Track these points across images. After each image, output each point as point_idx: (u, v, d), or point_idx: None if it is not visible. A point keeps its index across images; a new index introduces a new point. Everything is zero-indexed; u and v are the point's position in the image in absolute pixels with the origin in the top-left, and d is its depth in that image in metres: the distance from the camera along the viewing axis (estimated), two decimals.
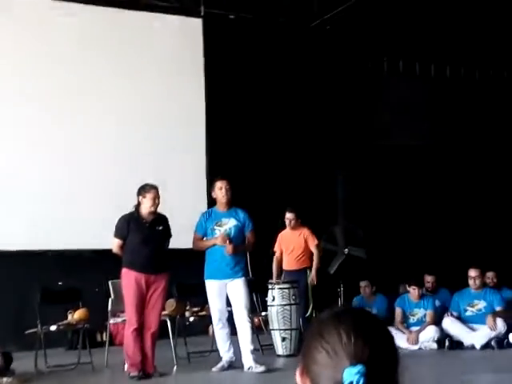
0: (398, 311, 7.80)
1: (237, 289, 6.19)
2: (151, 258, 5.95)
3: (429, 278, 8.71)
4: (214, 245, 6.22)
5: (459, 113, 11.70)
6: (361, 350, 1.07)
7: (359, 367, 1.04)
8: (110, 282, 6.88)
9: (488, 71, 12.09)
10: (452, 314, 7.58)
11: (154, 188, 6.05)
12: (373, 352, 1.07)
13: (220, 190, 6.31)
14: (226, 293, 6.22)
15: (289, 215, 8.00)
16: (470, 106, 11.76)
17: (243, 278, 6.25)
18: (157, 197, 6.02)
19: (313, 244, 7.87)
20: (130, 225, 6.03)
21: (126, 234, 6.03)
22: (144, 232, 6.02)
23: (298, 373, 1.16)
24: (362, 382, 1.03)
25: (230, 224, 6.29)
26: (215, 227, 6.29)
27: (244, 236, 6.37)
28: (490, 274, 8.36)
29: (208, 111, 9.65)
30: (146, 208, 6.03)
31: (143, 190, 6.05)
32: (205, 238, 6.36)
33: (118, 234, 6.08)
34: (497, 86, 12.00)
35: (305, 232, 7.92)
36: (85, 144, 8.94)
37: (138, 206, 6.06)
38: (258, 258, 8.25)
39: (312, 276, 7.73)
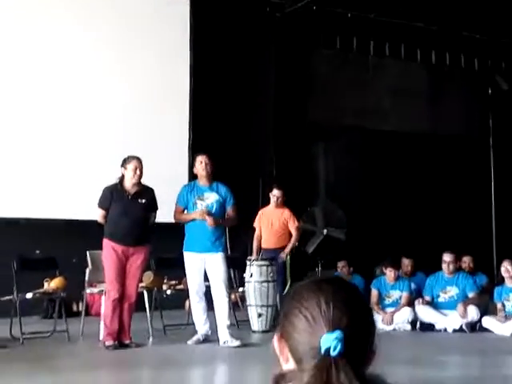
0: (374, 292, 7.88)
1: (216, 264, 6.20)
2: (131, 230, 5.95)
3: (406, 262, 8.79)
4: (194, 219, 6.23)
5: (452, 101, 11.76)
6: (339, 317, 1.09)
7: (337, 333, 1.05)
8: (88, 253, 6.85)
9: (486, 61, 12.14)
10: (424, 300, 7.65)
11: (136, 159, 6.05)
12: (351, 320, 1.09)
13: (200, 165, 6.32)
14: (204, 267, 6.24)
15: (276, 192, 7.98)
16: (465, 96, 11.82)
17: (222, 254, 6.27)
18: (138, 167, 6.01)
19: (293, 226, 7.88)
20: (112, 196, 6.04)
21: (109, 204, 6.03)
22: (125, 203, 6.01)
23: (275, 338, 1.17)
24: (339, 347, 1.04)
25: (211, 199, 6.30)
26: (197, 201, 6.29)
27: (225, 211, 6.38)
28: (466, 259, 8.45)
29: (193, 86, 9.59)
30: (128, 179, 6.04)
31: (125, 161, 6.07)
32: (185, 211, 6.36)
33: (101, 204, 6.11)
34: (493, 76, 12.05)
35: (286, 213, 7.92)
36: (66, 114, 8.84)
37: (122, 178, 6.08)
38: (236, 234, 8.27)
39: (284, 252, 7.73)
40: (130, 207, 6.00)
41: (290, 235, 7.91)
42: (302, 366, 1.09)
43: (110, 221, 6.03)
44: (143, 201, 6.07)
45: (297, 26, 10.62)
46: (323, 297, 1.11)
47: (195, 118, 9.58)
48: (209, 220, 6.13)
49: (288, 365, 1.14)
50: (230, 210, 6.38)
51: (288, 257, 7.80)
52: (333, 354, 1.04)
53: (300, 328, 1.10)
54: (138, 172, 6.01)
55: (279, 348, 1.16)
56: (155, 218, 6.21)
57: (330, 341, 1.05)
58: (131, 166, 6.00)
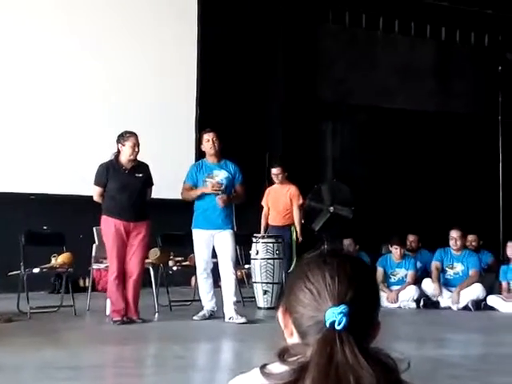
0: (380, 271, 7.89)
1: (224, 240, 6.20)
2: (130, 205, 5.93)
3: (411, 238, 8.79)
4: (203, 194, 6.20)
5: (461, 79, 11.65)
6: (344, 291, 1.08)
7: (342, 307, 1.05)
8: (94, 229, 6.87)
9: (496, 38, 12.00)
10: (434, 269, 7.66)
11: (134, 135, 6.00)
12: (356, 294, 1.08)
13: (207, 142, 6.29)
14: (212, 244, 6.24)
15: (274, 170, 8.00)
16: (475, 73, 11.70)
17: (231, 231, 6.27)
18: (136, 144, 5.97)
19: (297, 203, 7.87)
20: (108, 172, 6.00)
21: (105, 181, 6.00)
22: (122, 179, 5.99)
23: (280, 311, 1.16)
24: (344, 321, 1.03)
25: (221, 176, 6.28)
26: (207, 179, 6.26)
27: (233, 188, 6.35)
28: (471, 237, 8.46)
29: (200, 63, 9.53)
30: (125, 156, 6.00)
31: (122, 137, 6.00)
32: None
33: (97, 182, 6.07)
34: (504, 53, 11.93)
35: (292, 190, 7.92)
36: (74, 89, 8.83)
37: (118, 153, 6.03)
38: (242, 211, 8.27)
39: (298, 234, 7.75)
40: (127, 182, 5.98)
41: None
42: (306, 340, 1.09)
43: (108, 197, 6.00)
44: (140, 175, 6.04)
45: (305, 1, 10.51)
46: (328, 270, 1.10)
47: (202, 95, 9.54)
48: (220, 201, 6.10)
49: (292, 339, 1.14)
50: (238, 186, 6.36)
51: (293, 235, 7.80)
52: (337, 327, 1.03)
53: (305, 302, 1.10)
54: (136, 149, 5.97)
55: (283, 321, 1.15)
56: (151, 193, 6.20)
57: (334, 315, 1.04)
58: (129, 142, 5.95)
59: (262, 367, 1.10)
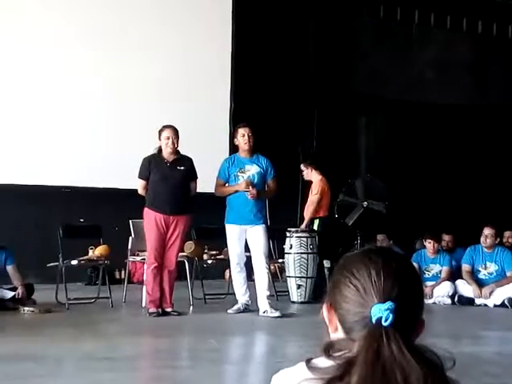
0: (414, 266, 7.82)
1: (257, 235, 6.24)
2: (170, 196, 6.00)
3: (446, 237, 8.71)
4: (236, 191, 6.25)
5: (497, 73, 11.47)
6: (390, 288, 1.09)
7: (389, 304, 1.06)
8: (130, 222, 6.97)
9: None
10: (465, 271, 7.56)
11: (168, 128, 6.09)
12: (401, 290, 1.09)
13: (242, 137, 6.30)
14: (245, 238, 6.28)
15: (300, 166, 8.08)
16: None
17: (263, 225, 6.30)
18: (172, 136, 6.04)
19: (310, 195, 7.81)
20: (151, 165, 6.10)
21: (148, 173, 6.10)
22: (163, 171, 6.07)
23: (324, 307, 1.18)
24: (391, 318, 1.05)
25: (253, 171, 6.31)
26: (238, 174, 6.30)
27: (265, 183, 6.39)
28: (508, 233, 8.34)
29: (235, 57, 9.57)
30: (164, 147, 6.09)
31: (160, 131, 6.13)
32: (227, 184, 6.39)
33: (140, 175, 6.19)
34: None
35: (314, 182, 7.87)
36: (113, 84, 8.93)
37: (160, 147, 6.14)
38: (275, 205, 8.29)
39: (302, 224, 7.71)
40: (168, 174, 6.05)
41: (323, 203, 7.79)
42: (351, 336, 1.10)
43: (150, 189, 6.10)
44: (182, 168, 6.11)
45: None
46: (374, 267, 1.12)
47: (237, 89, 9.57)
48: (251, 191, 6.15)
49: (337, 334, 1.16)
50: (270, 181, 6.39)
51: (319, 228, 7.69)
52: (384, 324, 1.04)
53: (350, 298, 1.11)
54: (170, 140, 6.03)
55: (328, 317, 1.17)
56: (196, 187, 6.23)
57: (381, 311, 1.05)
58: (164, 134, 6.06)
59: (308, 361, 1.11)
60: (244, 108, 9.29)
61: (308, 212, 7.77)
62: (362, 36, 10.84)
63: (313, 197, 7.76)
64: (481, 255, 7.62)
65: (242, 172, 6.30)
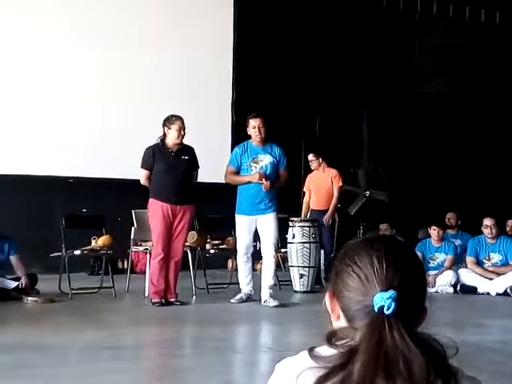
0: (419, 255, 7.81)
1: (268, 223, 6.21)
2: (176, 187, 5.99)
3: (449, 215, 8.70)
4: (248, 182, 6.21)
5: (499, 61, 11.41)
6: (392, 276, 1.09)
7: (391, 292, 1.06)
8: (133, 212, 6.98)
9: None
10: (470, 262, 7.57)
11: (180, 119, 6.07)
12: (404, 279, 1.09)
13: (254, 129, 6.24)
14: (254, 228, 6.26)
15: (309, 157, 8.10)
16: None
17: (274, 213, 6.27)
18: (182, 128, 6.04)
19: (336, 185, 7.88)
20: (155, 155, 6.07)
21: (152, 163, 6.08)
22: (169, 161, 6.06)
23: (327, 295, 1.18)
24: (393, 306, 1.05)
25: (266, 161, 6.26)
26: (252, 164, 6.24)
27: (277, 172, 6.36)
28: (510, 222, 8.32)
29: (236, 45, 9.53)
30: (171, 139, 6.07)
31: (168, 121, 6.07)
32: (240, 173, 6.33)
33: (143, 165, 6.16)
34: None
35: (333, 173, 7.93)
36: (116, 74, 8.92)
37: (164, 136, 6.10)
38: (279, 195, 8.27)
39: (327, 215, 7.74)
40: (173, 164, 6.04)
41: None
42: (354, 324, 1.11)
43: (154, 180, 6.08)
44: (186, 157, 6.10)
45: None
46: (376, 256, 1.11)
47: (238, 78, 9.54)
48: (265, 184, 6.12)
49: (339, 322, 1.16)
50: (282, 171, 6.34)
51: (337, 217, 7.83)
52: (386, 312, 1.04)
53: (353, 286, 1.11)
54: (182, 132, 6.03)
55: (330, 305, 1.17)
56: (197, 176, 6.23)
57: (383, 299, 1.05)
58: (176, 126, 6.02)
59: (311, 350, 1.12)
60: (246, 98, 9.26)
61: (334, 203, 7.82)
62: (365, 26, 10.77)
63: (339, 185, 7.84)
64: (484, 247, 7.62)
65: (255, 162, 6.24)
